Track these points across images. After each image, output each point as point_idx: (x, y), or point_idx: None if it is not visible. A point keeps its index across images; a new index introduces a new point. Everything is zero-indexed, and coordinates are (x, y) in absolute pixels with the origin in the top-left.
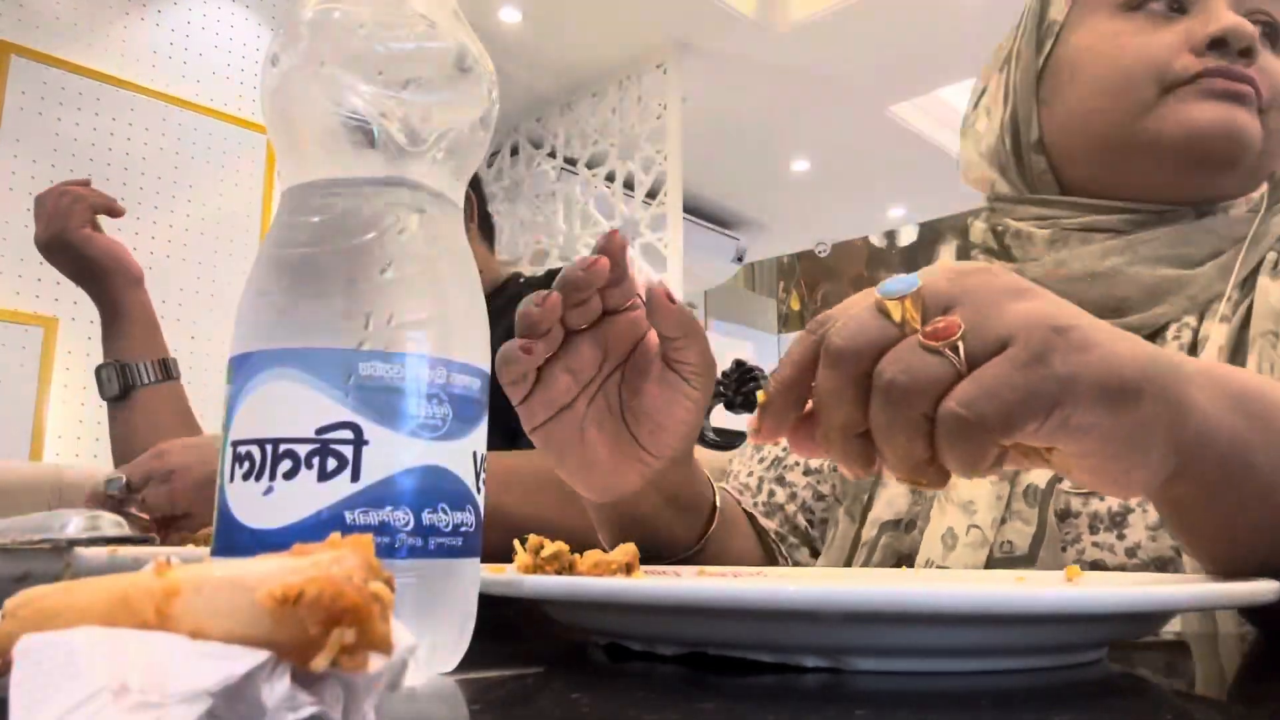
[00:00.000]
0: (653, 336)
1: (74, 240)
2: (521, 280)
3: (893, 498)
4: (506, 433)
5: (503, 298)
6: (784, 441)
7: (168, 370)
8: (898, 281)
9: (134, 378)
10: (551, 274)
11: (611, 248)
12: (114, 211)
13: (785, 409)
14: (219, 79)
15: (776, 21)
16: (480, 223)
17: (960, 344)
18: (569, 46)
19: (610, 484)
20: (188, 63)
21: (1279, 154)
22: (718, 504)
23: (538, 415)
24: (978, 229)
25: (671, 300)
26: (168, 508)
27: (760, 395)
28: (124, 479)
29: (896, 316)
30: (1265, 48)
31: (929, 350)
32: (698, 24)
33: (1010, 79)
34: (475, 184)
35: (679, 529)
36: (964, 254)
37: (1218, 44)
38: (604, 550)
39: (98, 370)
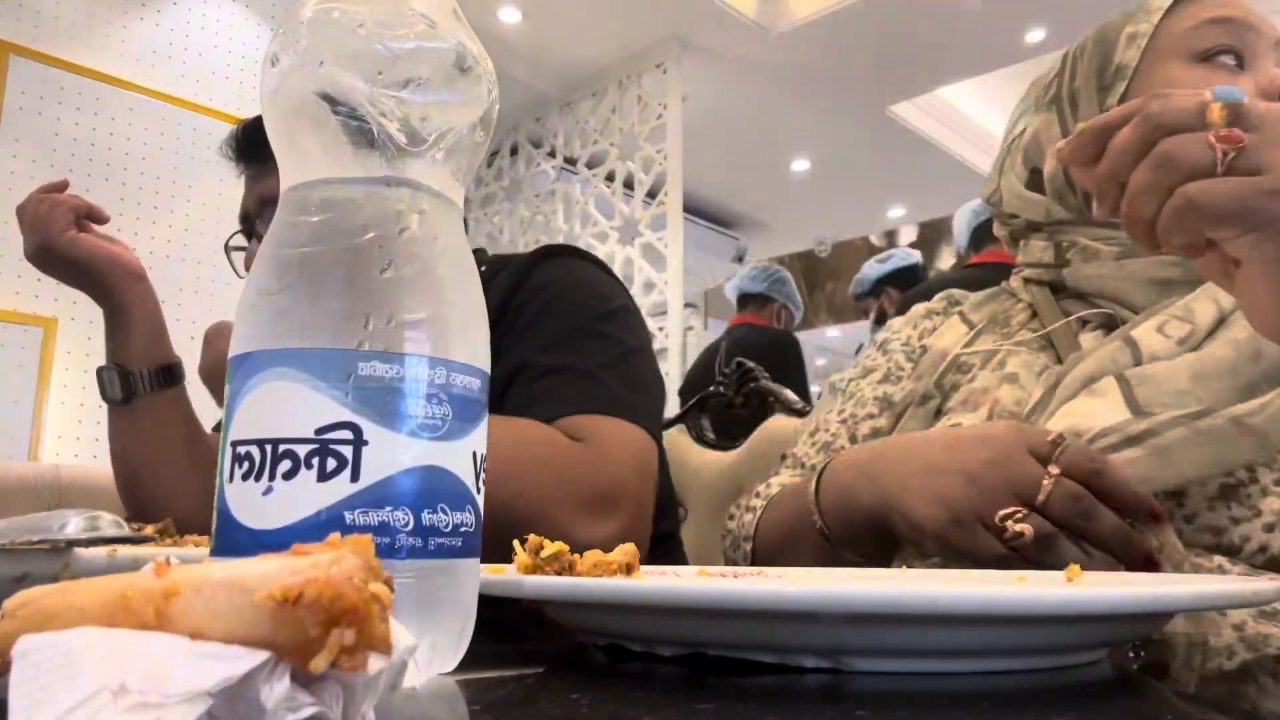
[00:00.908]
0: None
1: (59, 245)
2: (483, 268)
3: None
4: None
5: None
6: (832, 429)
7: (171, 376)
8: (1230, 90)
9: (135, 385)
10: None
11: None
12: (96, 217)
13: (1089, 143)
14: (219, 79)
15: (777, 21)
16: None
17: (1233, 153)
18: (569, 46)
19: None
20: (187, 63)
21: None
22: None
23: None
24: (1035, 247)
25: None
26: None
27: (1081, 124)
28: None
29: (1211, 116)
30: None
31: (1209, 145)
32: (698, 24)
33: (1066, 117)
34: None
35: None
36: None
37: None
38: None
39: (99, 371)
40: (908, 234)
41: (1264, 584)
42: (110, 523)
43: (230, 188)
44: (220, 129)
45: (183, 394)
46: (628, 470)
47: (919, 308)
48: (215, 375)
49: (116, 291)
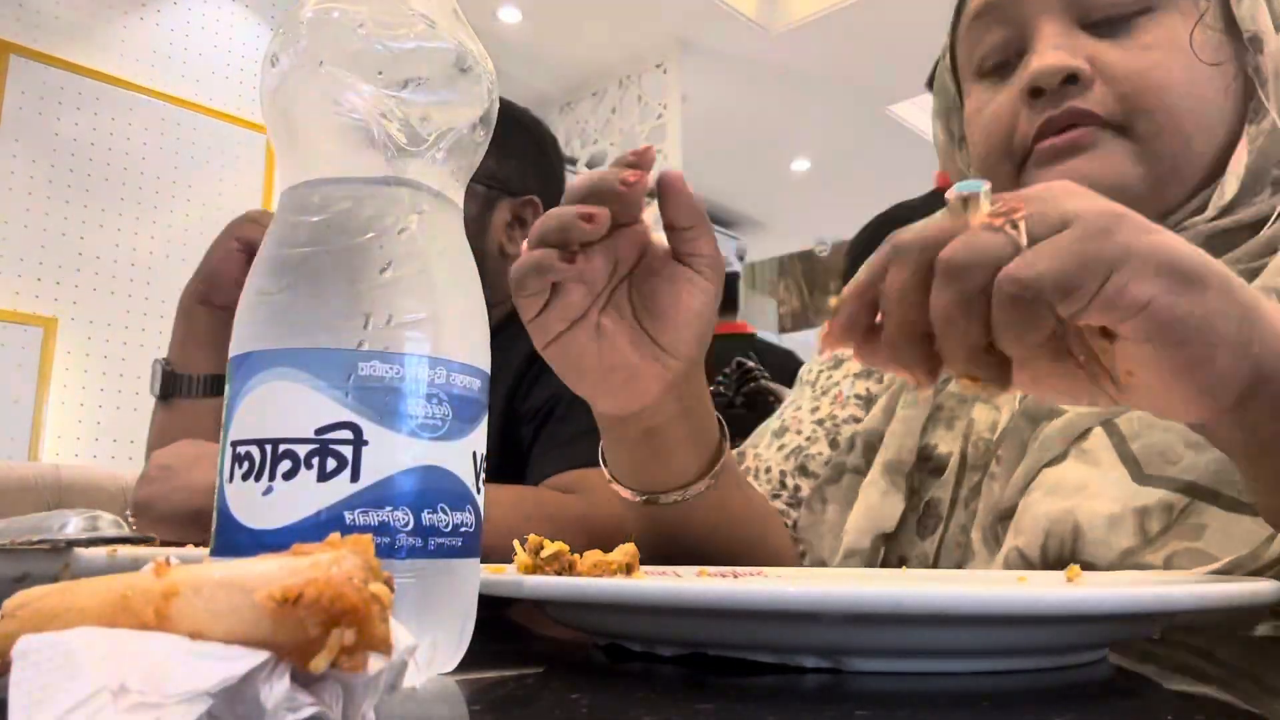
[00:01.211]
0: (657, 237)
1: (221, 252)
2: None
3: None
4: None
5: None
6: (806, 431)
7: (220, 387)
8: (971, 182)
9: (176, 386)
10: None
11: (645, 162)
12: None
13: (856, 312)
14: (219, 79)
15: (777, 21)
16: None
17: (1022, 223)
18: (569, 46)
19: (630, 390)
20: (188, 62)
21: (1176, 144)
22: (724, 442)
23: (553, 328)
24: None
25: (687, 188)
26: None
27: (832, 300)
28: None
29: (964, 210)
30: (1114, 37)
31: (991, 230)
32: (698, 24)
33: (937, 140)
34: (550, 204)
35: (688, 453)
36: None
37: (1037, 92)
38: (614, 487)
39: (154, 363)
40: None
41: (1264, 585)
42: (110, 523)
43: (230, 187)
44: (220, 129)
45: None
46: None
47: None
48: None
49: (189, 297)
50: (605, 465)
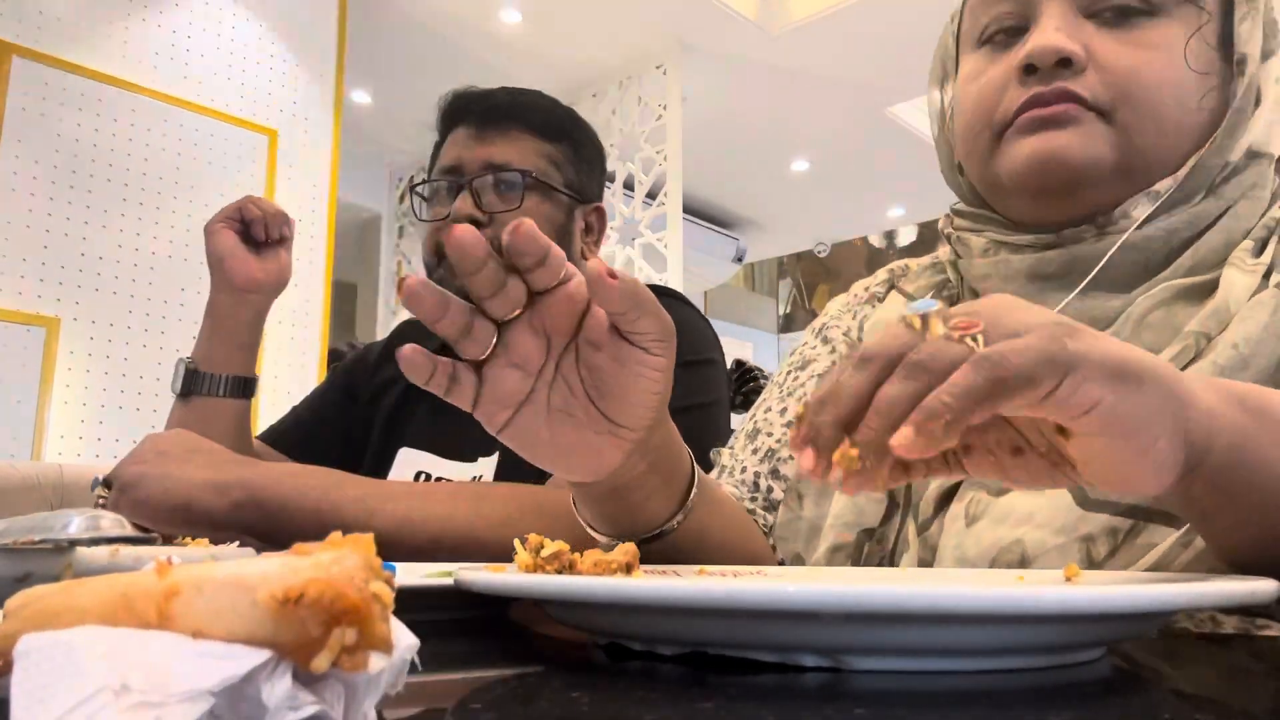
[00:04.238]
0: (595, 309)
1: (208, 230)
2: None
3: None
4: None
5: None
6: (776, 434)
7: (241, 389)
8: (922, 303)
9: (197, 385)
10: None
11: (516, 237)
12: (267, 230)
13: (821, 420)
14: (220, 80)
15: (776, 22)
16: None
17: (979, 337)
18: (569, 47)
19: (590, 464)
20: (189, 64)
21: (1152, 139)
22: (695, 476)
23: (497, 417)
24: (944, 220)
25: (612, 276)
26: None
27: (799, 408)
28: (101, 478)
29: (920, 327)
30: (1115, 29)
31: (951, 341)
32: (698, 24)
33: (932, 107)
34: (601, 209)
35: (660, 500)
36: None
37: (1031, 69)
38: (586, 528)
39: (178, 361)
40: (907, 234)
41: (1263, 584)
42: (112, 522)
43: (231, 189)
44: (221, 129)
45: (243, 407)
46: None
47: (859, 288)
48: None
49: (213, 292)
50: (576, 510)
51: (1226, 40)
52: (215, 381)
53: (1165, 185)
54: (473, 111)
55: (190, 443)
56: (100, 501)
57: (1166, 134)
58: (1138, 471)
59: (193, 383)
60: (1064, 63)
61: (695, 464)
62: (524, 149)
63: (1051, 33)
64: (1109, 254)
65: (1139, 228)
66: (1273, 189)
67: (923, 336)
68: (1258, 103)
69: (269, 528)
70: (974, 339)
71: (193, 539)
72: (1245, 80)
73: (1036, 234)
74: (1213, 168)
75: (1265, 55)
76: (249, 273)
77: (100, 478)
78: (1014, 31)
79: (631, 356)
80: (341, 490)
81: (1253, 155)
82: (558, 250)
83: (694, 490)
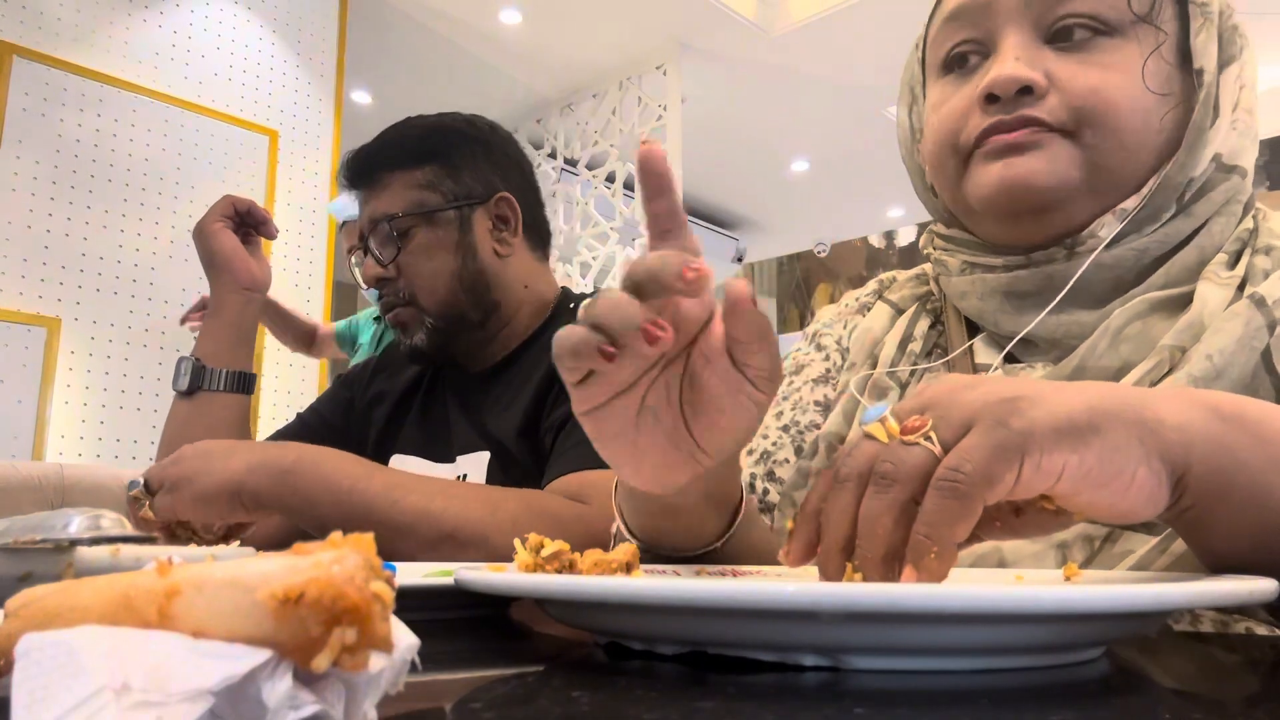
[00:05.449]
0: (718, 324)
1: (204, 230)
2: (572, 306)
3: None
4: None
5: (557, 326)
6: (772, 436)
7: (243, 384)
8: (872, 410)
9: (204, 380)
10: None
11: (651, 159)
12: (262, 230)
13: (809, 534)
14: (221, 80)
15: (776, 23)
16: (529, 231)
17: (932, 434)
18: (569, 47)
19: (658, 476)
20: (190, 64)
21: (1117, 157)
22: (744, 498)
23: (595, 398)
24: (926, 238)
25: (752, 302)
26: (171, 515)
27: (788, 523)
28: (143, 481)
29: (880, 436)
30: (1074, 53)
31: (907, 444)
32: (697, 25)
33: (901, 130)
34: (522, 190)
35: (709, 524)
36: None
37: (993, 99)
38: (623, 529)
39: (179, 361)
40: (907, 234)
41: (1263, 584)
42: (113, 522)
43: (231, 188)
44: (221, 129)
45: (245, 403)
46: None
47: (850, 298)
48: (195, 230)
49: (217, 291)
50: (618, 511)
51: (1187, 55)
52: (220, 377)
53: (1131, 204)
54: (349, 175)
55: (226, 444)
56: (137, 503)
57: (1130, 151)
58: (1129, 505)
59: (199, 379)
60: (1025, 90)
61: (744, 489)
62: (394, 191)
63: (1011, 63)
64: (1079, 273)
65: (1108, 247)
66: (1244, 200)
67: (885, 440)
68: (1218, 113)
69: (303, 504)
70: (927, 438)
71: (227, 541)
72: (1202, 93)
73: (1008, 256)
74: (1178, 184)
75: (1224, 64)
76: (251, 270)
77: (140, 480)
78: (977, 57)
79: (737, 386)
80: (371, 479)
81: (1223, 169)
82: (707, 269)
83: (740, 518)
